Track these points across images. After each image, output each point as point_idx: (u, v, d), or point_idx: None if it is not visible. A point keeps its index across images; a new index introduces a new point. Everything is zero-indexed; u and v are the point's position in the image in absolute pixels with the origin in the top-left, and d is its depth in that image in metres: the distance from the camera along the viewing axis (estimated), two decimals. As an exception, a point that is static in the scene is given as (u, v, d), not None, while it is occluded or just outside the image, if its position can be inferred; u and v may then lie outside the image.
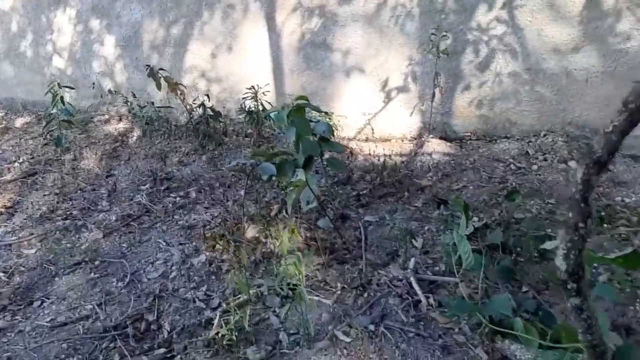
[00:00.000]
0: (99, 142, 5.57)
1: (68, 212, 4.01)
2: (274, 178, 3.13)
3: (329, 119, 5.18)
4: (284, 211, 3.67)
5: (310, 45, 5.50)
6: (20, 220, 3.95)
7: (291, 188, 2.89)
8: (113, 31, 6.39)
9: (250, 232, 3.41)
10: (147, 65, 5.36)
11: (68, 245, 3.51)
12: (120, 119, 6.30)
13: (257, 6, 5.58)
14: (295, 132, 3.21)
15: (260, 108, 5.03)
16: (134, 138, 5.58)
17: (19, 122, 6.61)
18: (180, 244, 3.43)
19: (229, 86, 6.00)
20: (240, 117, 5.78)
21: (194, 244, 3.40)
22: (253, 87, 4.99)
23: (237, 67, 5.90)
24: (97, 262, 3.24)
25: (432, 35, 4.70)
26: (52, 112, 5.31)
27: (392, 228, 3.38)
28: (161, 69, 5.39)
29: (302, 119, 3.19)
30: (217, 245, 3.28)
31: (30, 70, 7.14)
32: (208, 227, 3.61)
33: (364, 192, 3.95)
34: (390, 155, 4.62)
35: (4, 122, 6.71)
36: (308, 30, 5.46)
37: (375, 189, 3.96)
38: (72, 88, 5.95)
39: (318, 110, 3.40)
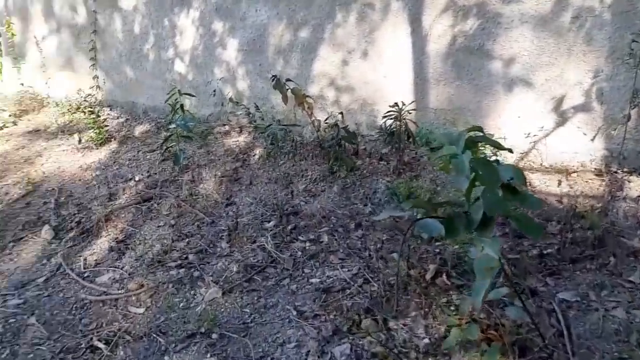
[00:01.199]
0: (219, 159, 5.13)
1: (183, 256, 3.54)
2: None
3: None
4: (444, 275, 2.92)
5: (463, 51, 4.66)
6: (130, 263, 3.54)
7: (480, 270, 2.11)
8: (237, 34, 5.95)
9: (404, 306, 2.69)
10: (274, 76, 4.81)
11: (182, 305, 3.01)
12: (241, 131, 5.86)
13: (400, 5, 4.82)
14: (471, 180, 2.44)
15: (403, 128, 4.29)
16: (256, 157, 5.07)
17: (138, 130, 6.40)
18: (315, 315, 2.78)
19: (361, 96, 5.32)
20: (373, 133, 5.10)
21: (331, 316, 2.75)
22: (396, 104, 4.25)
23: (371, 75, 5.20)
24: (214, 336, 2.69)
25: (633, 42, 3.70)
26: (170, 125, 4.96)
27: (605, 318, 2.50)
28: (288, 79, 4.83)
29: (486, 166, 2.41)
30: (362, 325, 2.60)
31: (151, 75, 6.93)
32: (348, 291, 2.95)
33: (549, 250, 3.09)
34: (576, 196, 3.67)
35: (124, 129, 6.55)
36: (461, 34, 4.63)
37: (566, 249, 3.07)
38: (193, 96, 5.58)
39: (498, 146, 2.59)
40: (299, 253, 3.42)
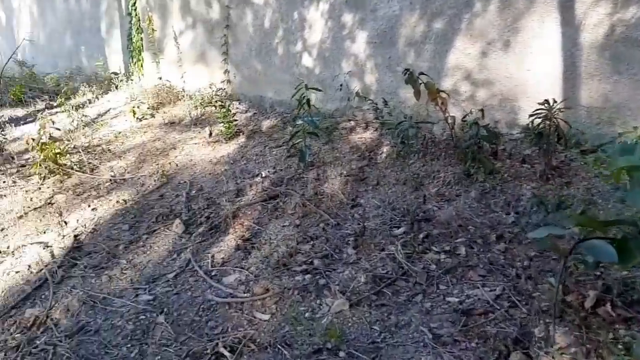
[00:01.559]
0: (344, 157, 4.94)
1: (309, 260, 3.37)
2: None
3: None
4: (607, 305, 2.48)
5: (623, 42, 4.06)
6: (256, 264, 3.44)
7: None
8: (366, 26, 5.71)
9: (561, 340, 2.31)
10: (406, 69, 4.52)
11: (307, 314, 2.84)
12: (367, 127, 5.63)
13: (550, -9, 4.32)
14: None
15: (553, 129, 3.80)
16: (383, 155, 4.82)
17: (265, 124, 6.40)
18: (455, 341, 2.48)
19: (501, 92, 4.86)
20: (513, 132, 4.64)
21: (473, 344, 2.43)
22: (547, 101, 3.78)
23: (513, 68, 4.72)
24: (342, 354, 2.49)
25: None
26: (297, 121, 4.84)
27: None
28: (422, 73, 4.51)
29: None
30: (511, 359, 2.26)
31: (279, 69, 6.91)
32: (492, 316, 2.61)
33: None
34: None
35: (252, 123, 6.59)
36: (620, 23, 4.03)
37: None
38: (319, 90, 5.43)
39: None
40: (433, 266, 3.12)
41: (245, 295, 3.09)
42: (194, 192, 4.86)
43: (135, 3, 9.03)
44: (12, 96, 9.82)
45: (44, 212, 4.81)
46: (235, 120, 6.45)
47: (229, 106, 6.38)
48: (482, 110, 4.39)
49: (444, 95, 4.57)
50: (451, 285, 2.93)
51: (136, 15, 9.08)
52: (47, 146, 5.66)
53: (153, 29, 8.05)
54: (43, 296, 3.44)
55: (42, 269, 3.74)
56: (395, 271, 3.12)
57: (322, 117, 5.71)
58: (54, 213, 4.76)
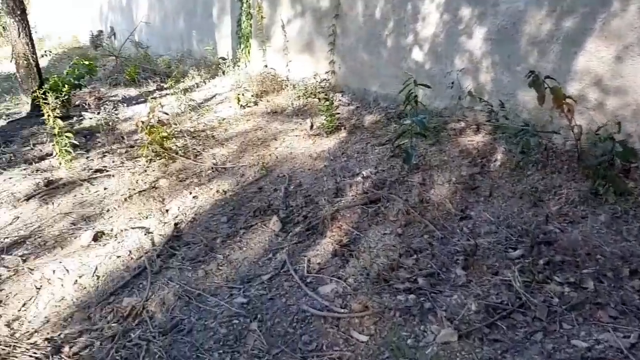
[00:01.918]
0: (453, 161, 4.59)
1: (412, 278, 3.09)
2: None
3: None
4: None
5: None
6: (354, 275, 3.21)
7: None
8: (485, 22, 5.27)
9: None
10: (531, 71, 4.08)
11: (409, 341, 2.57)
12: (478, 129, 5.22)
13: None
14: None
15: None
16: (497, 163, 4.41)
17: (368, 120, 6.15)
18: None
19: (636, 102, 4.29)
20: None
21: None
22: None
23: (655, 75, 4.15)
24: (447, 396, 2.23)
25: None
26: (405, 120, 4.55)
27: None
28: (548, 76, 4.06)
29: None
30: None
31: (386, 62, 6.61)
32: (627, 374, 2.23)
33: None
34: None
35: (354, 118, 6.36)
36: None
37: None
38: (428, 87, 5.10)
39: None
40: (556, 299, 2.74)
41: (343, 310, 2.88)
42: (292, 187, 4.71)
43: (247, -13, 9.07)
44: (127, 76, 10.25)
45: (148, 196, 4.87)
46: (338, 113, 6.25)
47: (332, 99, 6.20)
48: (619, 123, 3.88)
49: (570, 102, 4.10)
50: (577, 324, 2.55)
51: (246, 1, 9.10)
52: (155, 129, 5.76)
53: (262, 16, 8.00)
54: (141, 285, 3.43)
55: (142, 256, 3.74)
56: (511, 301, 2.77)
57: (429, 115, 5.38)
58: (157, 198, 4.80)
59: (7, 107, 9.75)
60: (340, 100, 6.95)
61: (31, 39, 7.76)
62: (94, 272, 3.61)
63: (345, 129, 5.95)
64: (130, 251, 3.83)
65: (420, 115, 4.65)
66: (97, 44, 16.15)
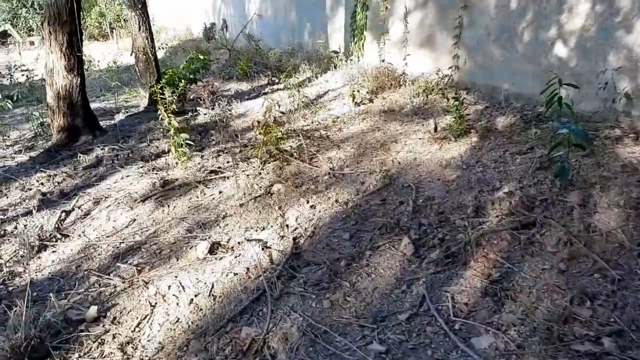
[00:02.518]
0: (615, 178, 3.80)
1: (592, 336, 2.42)
2: None
3: None
4: None
5: None
6: (514, 324, 2.59)
7: None
8: (656, 12, 4.41)
9: None
10: None
11: None
12: (638, 138, 4.38)
13: None
14: None
15: None
16: (677, 183, 3.61)
17: (500, 122, 5.43)
18: None
19: None
20: None
21: None
22: None
23: None
24: None
25: None
26: (561, 130, 3.83)
27: None
28: None
29: None
30: None
31: (522, 57, 5.83)
32: None
33: None
34: None
35: (484, 119, 5.67)
36: None
37: None
38: (576, 87, 4.34)
39: None
40: None
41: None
42: (421, 200, 4.16)
43: (363, -22, 8.54)
44: (239, 70, 10.10)
45: (263, 202, 4.52)
46: (468, 114, 5.60)
47: (458, 96, 5.54)
48: None
49: None
50: None
51: (363, -8, 8.59)
52: (271, 129, 5.42)
53: (387, 7, 7.42)
54: (260, 313, 3.03)
55: (260, 276, 3.36)
56: None
57: (575, 120, 4.60)
58: (273, 206, 4.44)
59: (126, 99, 9.94)
60: (465, 98, 6.26)
61: (150, 33, 7.73)
62: (210, 291, 3.28)
63: (475, 132, 5.29)
64: (247, 269, 3.47)
65: (563, 118, 3.95)
66: (209, 37, 16.36)
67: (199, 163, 5.61)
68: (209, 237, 4.00)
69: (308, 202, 4.42)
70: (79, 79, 6.30)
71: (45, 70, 6.43)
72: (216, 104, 7.71)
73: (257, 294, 3.18)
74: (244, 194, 4.69)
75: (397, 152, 5.24)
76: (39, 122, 7.62)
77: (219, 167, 5.44)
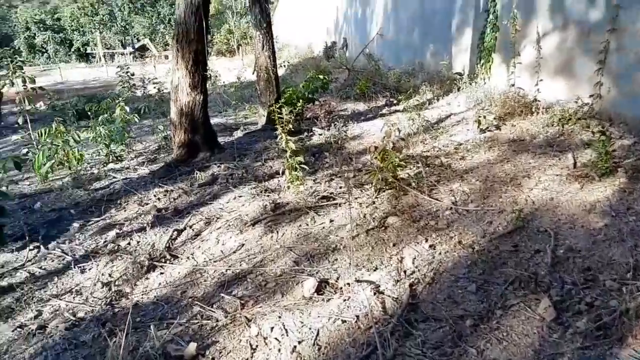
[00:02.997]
0: None
1: None
2: None
3: None
4: None
5: None
6: None
7: None
8: None
9: None
10: None
11: None
12: None
13: None
14: None
15: None
16: None
17: (655, 161, 4.63)
18: None
19: None
20: None
21: None
22: None
23: None
24: None
25: None
26: None
27: None
28: None
29: None
30: None
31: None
32: None
33: None
34: None
35: (633, 156, 4.86)
36: None
37: None
38: None
39: None
40: None
41: None
42: (561, 251, 3.53)
43: (495, -1, 7.94)
44: (357, 90, 9.85)
45: (377, 236, 4.12)
46: (614, 150, 4.84)
47: (602, 129, 4.81)
48: None
49: None
50: None
51: (494, 12, 7.97)
52: (388, 156, 5.03)
53: (516, 29, 6.79)
54: (370, 376, 2.65)
55: (371, 327, 2.96)
56: None
57: None
58: (387, 241, 4.03)
59: (245, 115, 10.06)
60: (609, 131, 5.47)
61: (273, 52, 7.69)
62: (315, 340, 2.93)
63: (623, 171, 4.53)
64: (357, 316, 3.08)
65: None
66: (329, 55, 16.38)
67: (311, 187, 5.35)
68: (317, 273, 3.67)
69: (427, 240, 3.95)
70: (201, 97, 6.33)
71: (170, 86, 6.55)
72: (332, 124, 7.47)
73: (367, 351, 2.77)
74: (356, 224, 4.33)
75: (529, 189, 4.61)
76: (163, 135, 7.84)
77: (331, 193, 5.14)
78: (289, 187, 5.28)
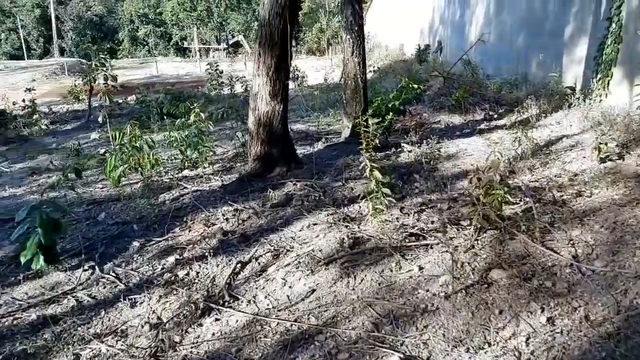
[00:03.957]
0: None
1: None
2: None
3: None
4: None
5: None
6: None
7: None
8: None
9: None
10: None
11: None
12: None
13: None
14: None
15: None
16: None
17: None
18: None
19: None
20: None
21: None
22: None
23: None
24: None
25: None
26: None
27: None
28: None
29: None
30: None
31: None
32: None
33: None
34: None
35: None
36: None
37: None
38: None
39: None
40: None
41: None
42: None
43: (620, 5, 6.76)
44: (452, 100, 8.91)
45: (478, 297, 3.29)
46: None
47: None
48: None
49: None
50: None
51: (618, 21, 6.79)
52: (493, 190, 4.18)
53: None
54: None
55: None
56: None
57: None
58: (491, 306, 3.20)
59: (329, 123, 9.41)
60: None
61: (363, 59, 6.94)
62: None
63: None
64: None
65: None
66: (422, 59, 15.43)
67: (397, 218, 4.59)
68: (401, 345, 2.92)
69: (543, 310, 3.09)
70: (281, 106, 5.73)
71: (250, 93, 6.01)
72: (424, 139, 6.65)
73: None
74: (452, 277, 3.54)
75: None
76: (241, 142, 7.37)
77: (422, 230, 4.34)
78: (372, 219, 4.54)
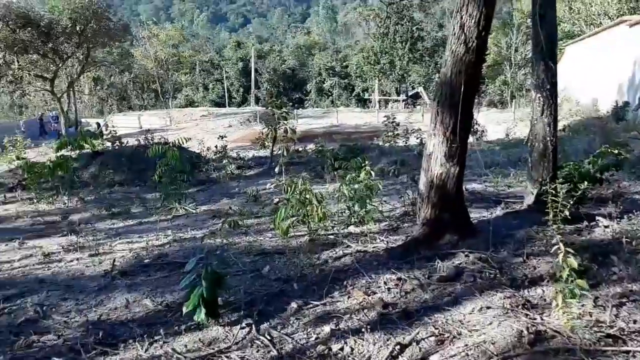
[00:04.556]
0: None
1: None
2: None
3: None
4: None
5: None
6: None
7: None
8: None
9: None
10: None
11: None
12: None
13: None
14: None
15: None
16: None
17: None
18: None
19: None
20: None
21: None
22: None
23: None
24: None
25: None
26: None
27: None
28: None
29: None
30: None
31: None
32: None
33: None
34: None
35: None
36: None
37: None
38: None
39: None
40: None
41: None
42: None
43: None
44: None
45: None
46: None
47: None
48: None
49: None
50: None
51: None
52: None
53: None
54: None
55: None
56: None
57: None
58: None
59: (509, 184, 8.65)
60: None
61: (555, 120, 6.15)
62: None
63: None
64: None
65: None
66: (619, 117, 13.74)
67: (589, 312, 3.80)
68: None
69: None
70: (457, 169, 5.26)
71: (424, 153, 5.65)
72: (624, 215, 5.63)
73: None
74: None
75: None
76: (411, 201, 7.01)
77: (621, 330, 3.52)
78: (557, 308, 3.81)
